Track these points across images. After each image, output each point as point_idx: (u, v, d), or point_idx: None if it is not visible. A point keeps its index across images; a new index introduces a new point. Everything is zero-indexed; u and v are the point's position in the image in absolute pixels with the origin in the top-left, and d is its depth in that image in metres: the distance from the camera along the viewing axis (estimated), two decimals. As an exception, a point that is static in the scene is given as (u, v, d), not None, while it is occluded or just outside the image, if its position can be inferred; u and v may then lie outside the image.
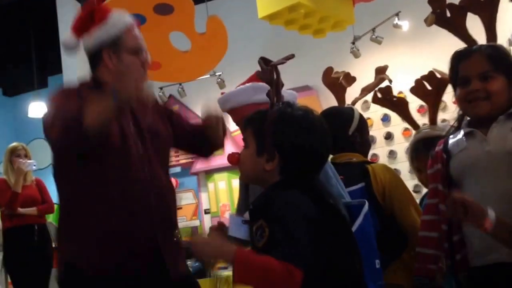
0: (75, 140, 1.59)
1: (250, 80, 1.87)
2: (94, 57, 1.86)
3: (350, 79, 2.95)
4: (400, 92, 5.92)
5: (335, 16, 3.98)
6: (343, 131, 2.15)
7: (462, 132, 1.68)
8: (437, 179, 1.71)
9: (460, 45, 1.93)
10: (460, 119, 1.74)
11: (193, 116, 6.76)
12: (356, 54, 5.43)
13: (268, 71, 1.44)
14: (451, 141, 1.70)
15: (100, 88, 1.73)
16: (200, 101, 8.05)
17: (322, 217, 1.31)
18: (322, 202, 1.35)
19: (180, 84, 6.02)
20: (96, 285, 1.68)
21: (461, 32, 1.87)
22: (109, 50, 1.83)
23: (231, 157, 1.50)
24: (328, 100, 6.01)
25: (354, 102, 2.86)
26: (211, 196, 6.48)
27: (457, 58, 1.70)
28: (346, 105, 2.68)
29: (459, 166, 1.64)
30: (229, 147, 2.21)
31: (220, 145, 2.04)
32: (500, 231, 1.35)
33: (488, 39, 1.87)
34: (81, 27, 1.86)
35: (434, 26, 2.01)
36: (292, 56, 1.43)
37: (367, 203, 1.54)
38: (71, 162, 1.74)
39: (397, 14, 5.20)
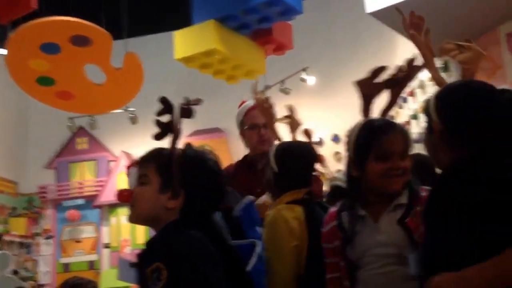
0: None
1: None
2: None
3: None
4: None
5: (247, 65, 4.19)
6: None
7: (355, 213, 1.74)
8: (338, 255, 1.77)
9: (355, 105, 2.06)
10: (351, 198, 1.78)
11: (102, 149, 6.69)
12: (266, 102, 5.71)
13: (184, 110, 1.43)
14: (344, 218, 1.76)
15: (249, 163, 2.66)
16: (111, 134, 7.96)
17: (221, 257, 1.32)
18: (220, 242, 1.37)
19: (92, 117, 5.97)
20: None
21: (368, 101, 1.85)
22: (240, 129, 2.71)
23: (121, 194, 1.42)
24: (237, 143, 6.23)
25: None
26: (112, 230, 6.36)
27: (377, 132, 1.71)
28: None
29: (354, 252, 1.72)
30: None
31: None
32: None
33: (383, 114, 1.87)
34: None
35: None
36: (198, 102, 1.47)
37: (260, 243, 1.55)
38: None
39: (304, 69, 5.57)
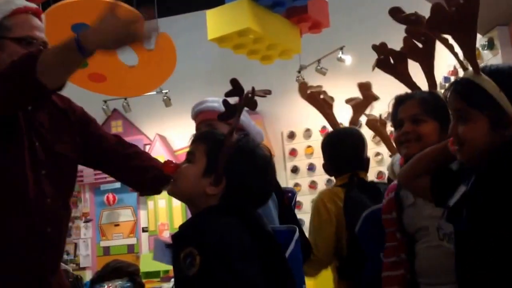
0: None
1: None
2: None
3: (329, 97, 2.80)
4: (341, 123, 6.10)
5: (282, 44, 4.08)
6: (361, 151, 2.28)
7: None
8: (395, 225, 1.78)
9: (397, 83, 2.02)
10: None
11: (137, 132, 6.70)
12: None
13: (243, 97, 1.37)
14: (402, 189, 1.75)
15: None
16: (145, 117, 7.92)
17: (259, 245, 1.29)
18: (259, 230, 1.33)
19: (125, 99, 5.96)
20: None
21: (403, 76, 1.96)
22: None
23: (167, 165, 1.45)
24: (273, 125, 6.14)
25: (353, 123, 2.73)
26: (150, 215, 6.38)
27: (396, 104, 1.81)
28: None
29: (408, 223, 1.73)
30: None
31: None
32: None
33: (429, 85, 1.93)
34: None
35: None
36: (269, 92, 1.40)
37: (297, 229, 1.51)
38: None
39: (341, 48, 5.40)
